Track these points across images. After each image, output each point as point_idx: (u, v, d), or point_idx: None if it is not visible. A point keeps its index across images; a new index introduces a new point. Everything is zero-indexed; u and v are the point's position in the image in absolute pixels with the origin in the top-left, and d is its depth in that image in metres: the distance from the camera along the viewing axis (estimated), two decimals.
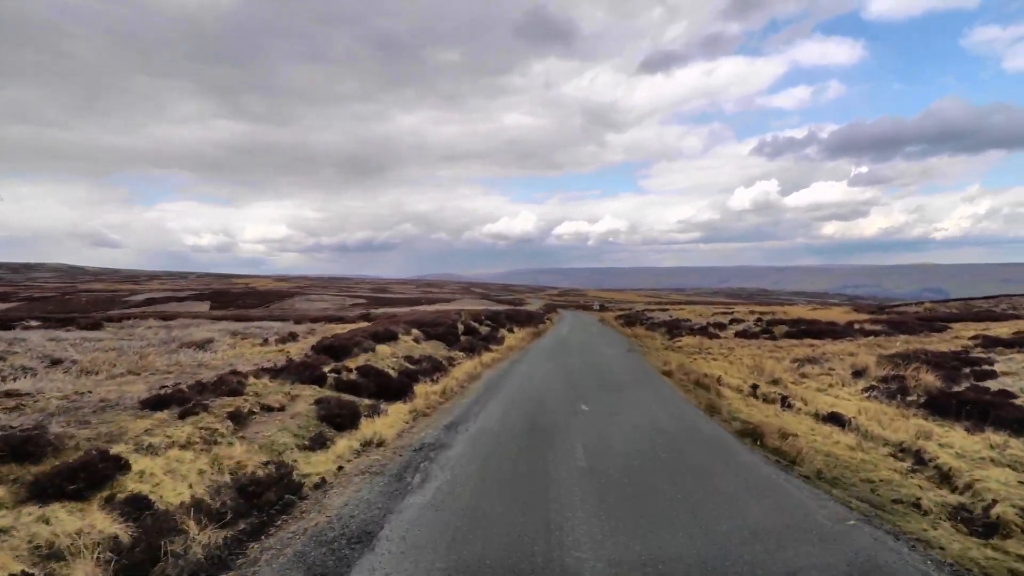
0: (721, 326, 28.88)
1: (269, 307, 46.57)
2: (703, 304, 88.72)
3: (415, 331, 16.70)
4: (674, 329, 27.91)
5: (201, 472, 5.32)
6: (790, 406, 9.84)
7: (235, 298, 49.92)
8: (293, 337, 16.94)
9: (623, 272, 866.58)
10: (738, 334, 25.05)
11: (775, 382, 12.29)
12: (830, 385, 12.37)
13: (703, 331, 26.54)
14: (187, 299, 50.50)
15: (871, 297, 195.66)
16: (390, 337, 14.55)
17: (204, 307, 46.22)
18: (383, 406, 8.96)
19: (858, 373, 13.06)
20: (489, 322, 27.47)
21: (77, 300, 53.52)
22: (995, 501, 5.19)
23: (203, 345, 15.53)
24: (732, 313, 37.31)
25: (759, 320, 30.27)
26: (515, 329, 27.54)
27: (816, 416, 9.11)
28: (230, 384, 7.91)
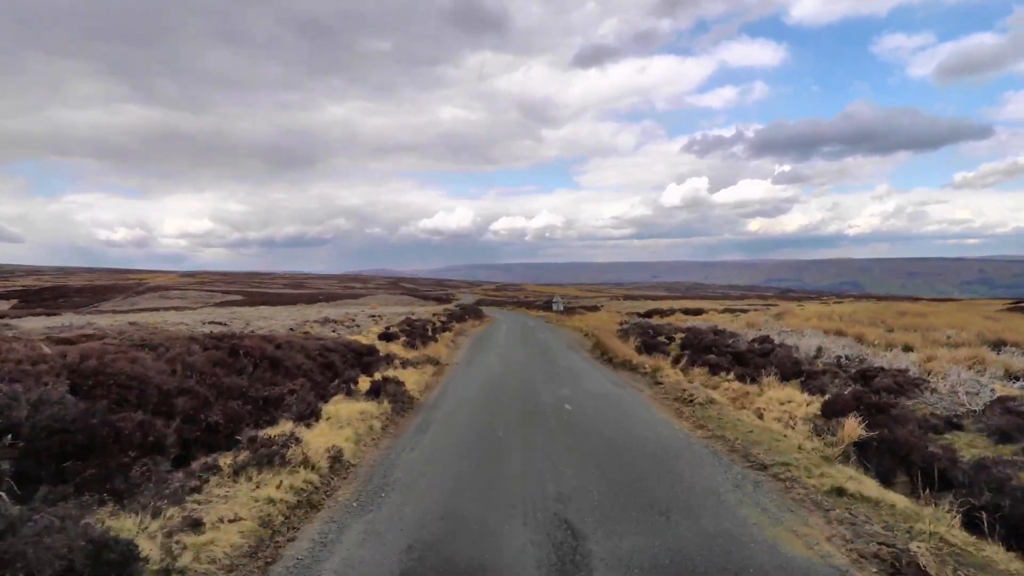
0: None
1: (100, 306, 35.51)
2: (708, 299, 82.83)
3: None
4: None
5: None
6: None
7: (60, 295, 38.48)
8: None
9: (560, 267, 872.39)
10: None
11: None
12: None
13: None
14: None
15: (800, 291, 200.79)
16: None
17: (5, 307, 34.55)
18: None
19: None
20: None
21: None
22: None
23: None
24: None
25: None
26: None
27: None
28: None
